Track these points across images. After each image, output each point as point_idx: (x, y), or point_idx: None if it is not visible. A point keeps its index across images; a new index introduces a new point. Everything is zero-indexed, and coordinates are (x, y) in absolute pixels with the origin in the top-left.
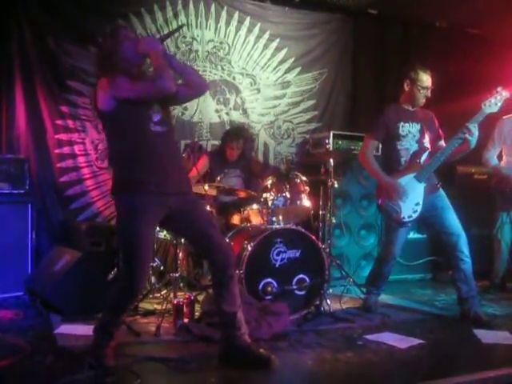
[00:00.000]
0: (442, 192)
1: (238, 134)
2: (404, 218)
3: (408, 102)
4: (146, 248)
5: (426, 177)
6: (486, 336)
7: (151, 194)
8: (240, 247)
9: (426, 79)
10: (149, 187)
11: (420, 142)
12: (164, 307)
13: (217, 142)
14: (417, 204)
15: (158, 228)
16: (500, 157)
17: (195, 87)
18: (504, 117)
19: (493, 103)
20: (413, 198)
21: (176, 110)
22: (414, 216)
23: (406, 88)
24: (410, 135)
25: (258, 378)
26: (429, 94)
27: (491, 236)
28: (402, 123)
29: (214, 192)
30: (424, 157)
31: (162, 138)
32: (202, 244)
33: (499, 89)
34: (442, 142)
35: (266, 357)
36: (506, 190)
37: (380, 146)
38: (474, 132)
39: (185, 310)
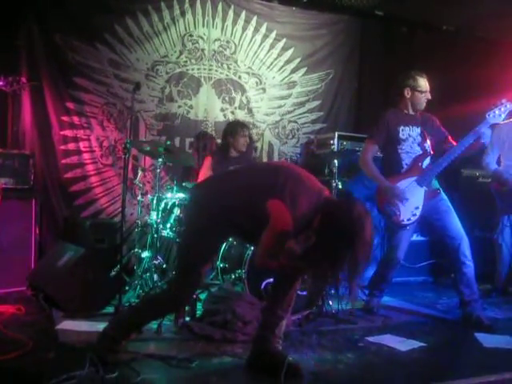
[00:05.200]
0: (444, 196)
1: (244, 124)
2: (403, 220)
3: (409, 108)
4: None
5: (427, 181)
6: (487, 340)
7: None
8: (242, 247)
9: (424, 83)
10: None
11: (422, 145)
12: None
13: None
14: (416, 208)
15: (161, 226)
16: (499, 161)
17: None
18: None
19: (497, 114)
20: (412, 201)
21: (181, 109)
22: (413, 219)
23: (407, 95)
24: (411, 139)
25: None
26: (429, 96)
27: (493, 240)
28: (402, 127)
29: None
30: (426, 161)
31: None
32: None
33: (504, 100)
34: (451, 141)
35: (294, 365)
36: (506, 194)
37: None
38: (485, 136)
39: (186, 308)
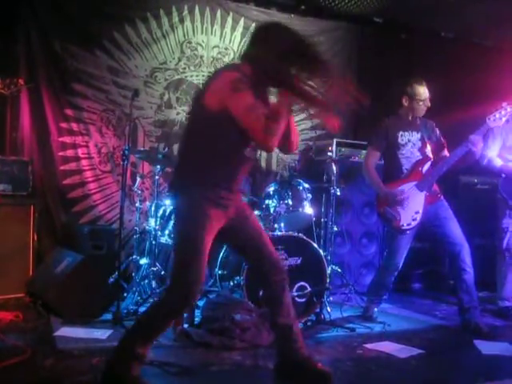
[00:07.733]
0: (444, 202)
1: None
2: (403, 225)
3: (408, 115)
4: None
5: (427, 186)
6: (486, 347)
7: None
8: None
9: (422, 91)
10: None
11: (422, 151)
12: None
13: None
14: (416, 212)
15: (159, 232)
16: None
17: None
18: None
19: (497, 118)
20: (412, 206)
21: (180, 115)
22: (413, 224)
23: (405, 103)
24: (410, 144)
25: None
26: (428, 103)
27: (500, 247)
28: (401, 132)
29: None
30: (426, 166)
31: (247, 163)
32: (252, 255)
33: (504, 104)
34: (446, 152)
35: (324, 372)
36: None
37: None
38: (478, 144)
39: (185, 315)
